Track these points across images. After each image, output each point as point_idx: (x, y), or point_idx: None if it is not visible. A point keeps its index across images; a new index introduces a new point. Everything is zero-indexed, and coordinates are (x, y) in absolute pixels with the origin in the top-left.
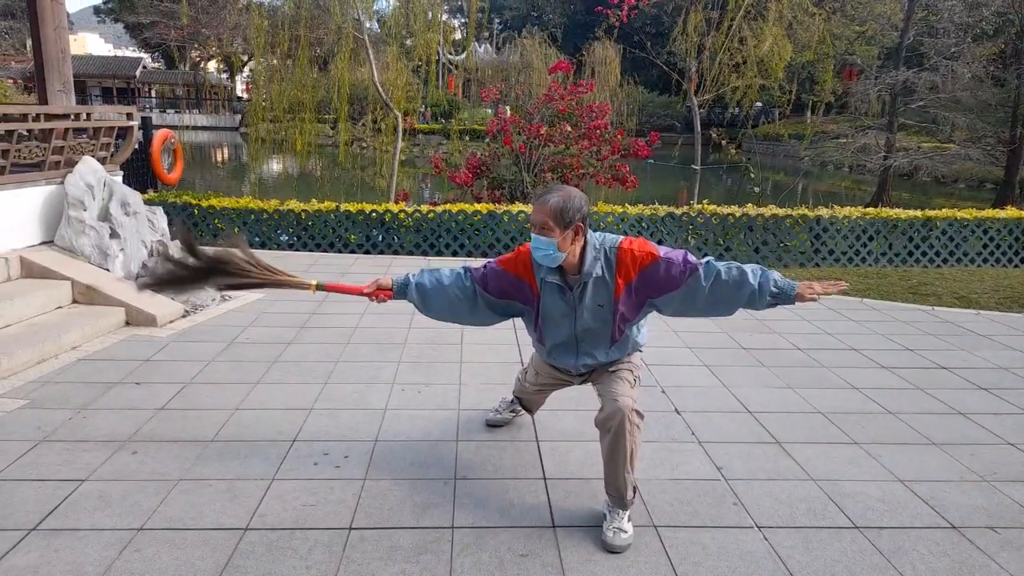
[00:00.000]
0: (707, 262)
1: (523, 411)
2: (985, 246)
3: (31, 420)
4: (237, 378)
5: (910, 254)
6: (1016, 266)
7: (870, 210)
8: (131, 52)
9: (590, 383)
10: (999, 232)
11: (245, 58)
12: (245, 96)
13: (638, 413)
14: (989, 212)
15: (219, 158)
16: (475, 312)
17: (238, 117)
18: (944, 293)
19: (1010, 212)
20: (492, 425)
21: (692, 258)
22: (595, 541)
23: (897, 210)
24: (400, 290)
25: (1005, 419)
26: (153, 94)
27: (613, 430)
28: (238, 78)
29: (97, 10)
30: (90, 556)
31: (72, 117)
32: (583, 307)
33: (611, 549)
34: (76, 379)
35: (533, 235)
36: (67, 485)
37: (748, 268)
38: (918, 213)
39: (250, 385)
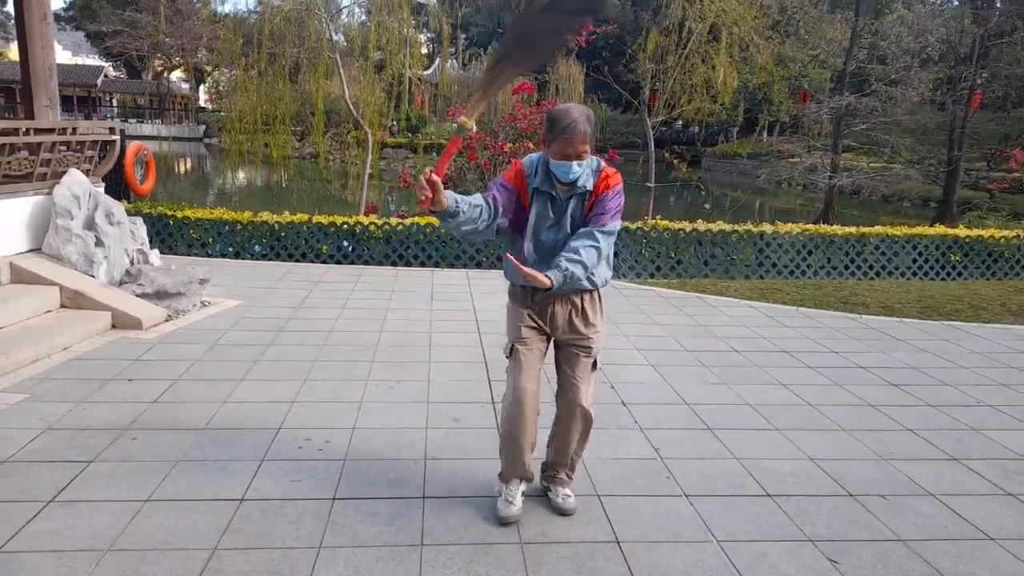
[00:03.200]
0: (603, 231)
1: (530, 478)
2: (915, 260)
3: (34, 411)
4: (223, 375)
5: (846, 267)
6: (942, 279)
7: (810, 226)
8: (92, 60)
9: (556, 348)
10: (927, 248)
11: (209, 68)
12: (209, 107)
13: (593, 411)
14: (919, 229)
15: (183, 168)
16: (489, 226)
17: (202, 128)
18: (872, 303)
19: (938, 229)
20: (509, 521)
21: (608, 219)
22: (547, 507)
23: (836, 227)
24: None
25: (909, 410)
26: (115, 103)
27: (573, 426)
28: (202, 88)
29: (58, 17)
30: (105, 521)
31: (59, 131)
32: (567, 217)
33: (564, 512)
34: (72, 376)
35: (568, 164)
36: (77, 465)
37: (581, 259)
38: (853, 230)
39: (235, 382)
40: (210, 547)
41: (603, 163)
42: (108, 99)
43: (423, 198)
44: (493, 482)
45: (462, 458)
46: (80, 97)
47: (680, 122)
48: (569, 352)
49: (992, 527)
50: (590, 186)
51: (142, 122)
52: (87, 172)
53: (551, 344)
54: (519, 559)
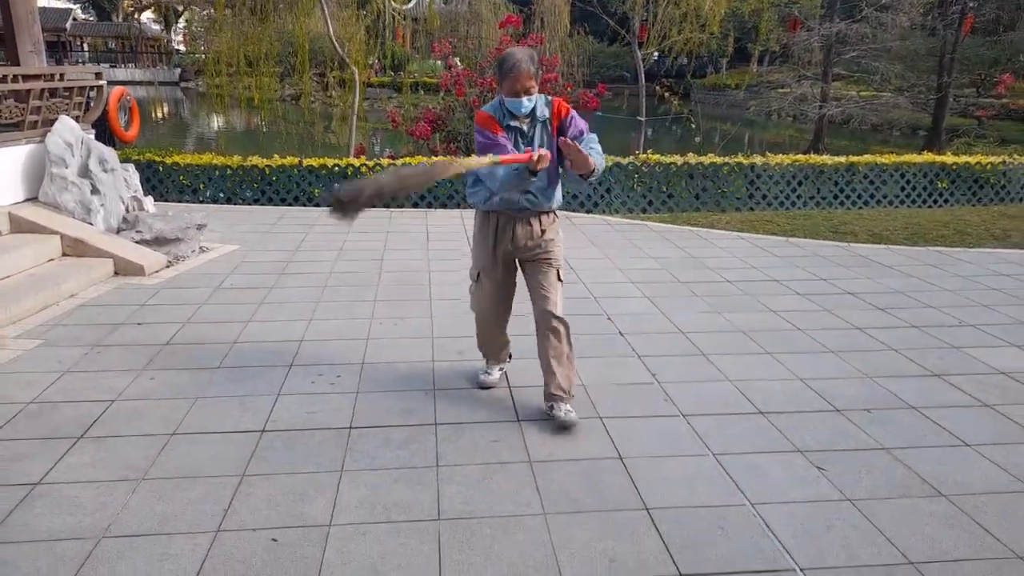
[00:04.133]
0: (591, 134)
1: (506, 362)
2: (903, 189)
3: (51, 356)
4: (230, 317)
5: (835, 197)
6: (929, 206)
7: (800, 157)
8: (60, 2)
9: (521, 268)
10: (915, 176)
11: (181, 7)
12: (183, 49)
13: (566, 321)
14: (907, 157)
15: (160, 114)
16: None
17: (177, 71)
18: (860, 231)
19: (925, 156)
20: (488, 386)
21: (584, 124)
22: (552, 430)
23: (825, 157)
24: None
25: (894, 332)
26: (85, 48)
27: (554, 335)
28: (175, 30)
29: None
30: (136, 453)
31: (46, 78)
32: (535, 143)
33: (566, 424)
34: (82, 322)
35: (518, 100)
36: (100, 404)
37: (597, 157)
38: (842, 159)
39: (242, 323)
40: (238, 473)
41: (551, 97)
42: (79, 43)
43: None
44: (501, 409)
45: (468, 388)
46: (49, 42)
47: (671, 54)
48: (534, 266)
49: (970, 435)
50: (548, 115)
51: (115, 66)
52: (76, 119)
53: (517, 270)
54: (529, 475)
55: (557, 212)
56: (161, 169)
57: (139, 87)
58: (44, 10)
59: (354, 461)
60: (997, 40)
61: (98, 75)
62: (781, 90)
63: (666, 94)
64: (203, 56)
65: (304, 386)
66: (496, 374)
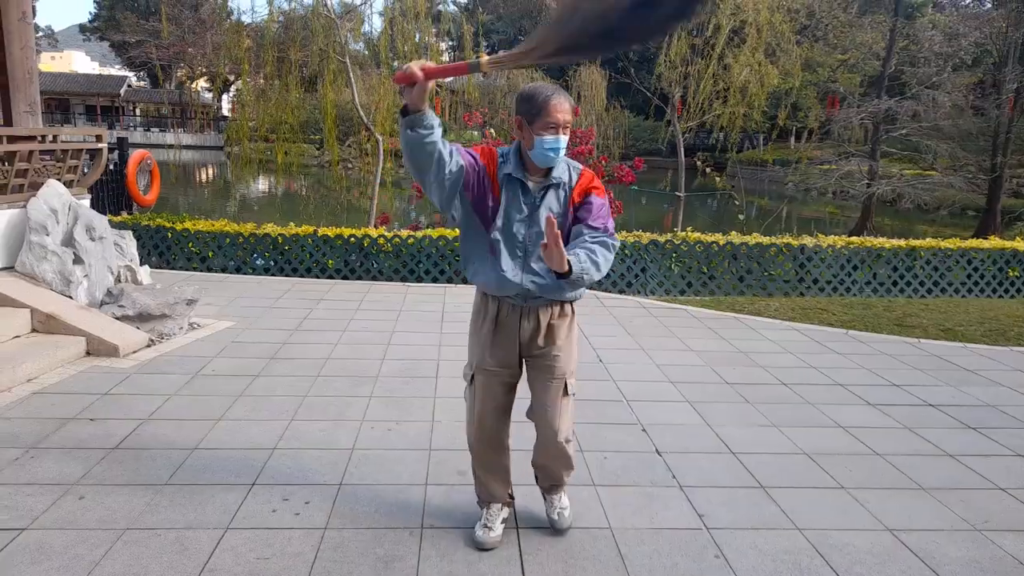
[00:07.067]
0: (613, 238)
1: (509, 502)
2: (969, 276)
3: None
4: (198, 414)
5: (895, 284)
6: (1000, 296)
7: (854, 239)
8: (116, 70)
9: (527, 369)
10: (983, 262)
11: (232, 78)
12: (230, 115)
13: (571, 438)
14: (973, 242)
15: (203, 177)
16: (449, 177)
17: (223, 136)
18: (929, 325)
19: (993, 242)
20: (486, 547)
21: (611, 225)
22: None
23: (881, 239)
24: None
25: (995, 461)
26: (138, 112)
27: (549, 458)
28: (224, 98)
29: (83, 28)
30: None
31: (39, 139)
32: (539, 212)
33: (559, 528)
34: (28, 415)
35: (552, 136)
36: (5, 535)
37: (598, 260)
38: (902, 243)
39: (211, 422)
40: None
41: (583, 167)
42: (131, 108)
43: (403, 73)
44: (502, 561)
45: (466, 527)
46: (104, 106)
47: (708, 129)
48: (536, 375)
49: None
50: (567, 179)
51: (165, 131)
52: (70, 183)
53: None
54: None
55: (574, 307)
56: (170, 235)
57: (185, 151)
58: (101, 76)
59: None
60: None
61: (99, 137)
62: (823, 166)
63: (707, 169)
64: (250, 123)
65: (262, 516)
66: (499, 528)
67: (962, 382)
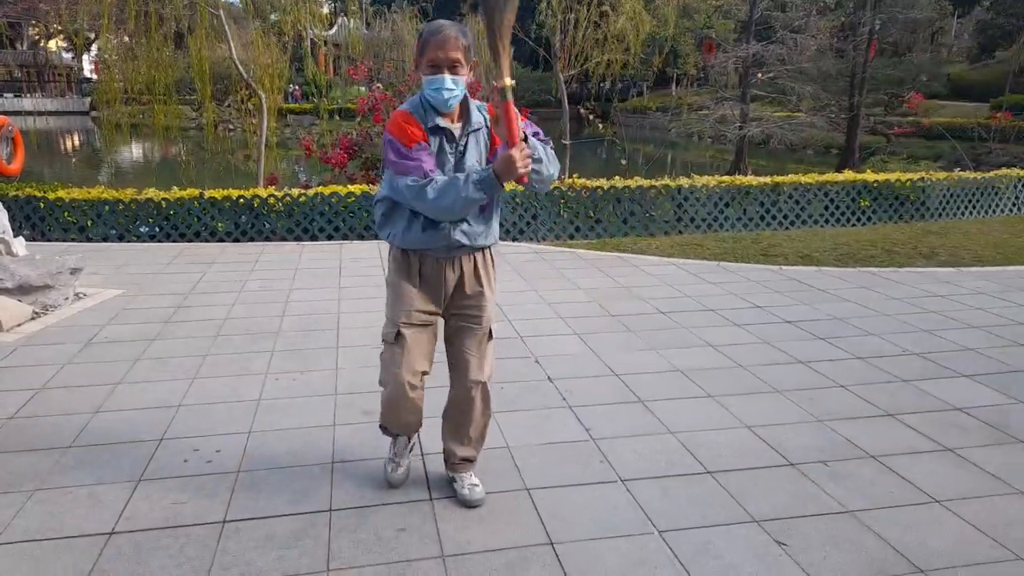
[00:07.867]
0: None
1: (414, 439)
2: (827, 208)
3: None
4: (96, 380)
5: (762, 218)
6: (852, 225)
7: (725, 178)
8: None
9: (444, 322)
10: (838, 194)
11: (91, 36)
12: (94, 77)
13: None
14: (829, 176)
15: (69, 145)
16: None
17: (87, 100)
18: (790, 253)
19: (847, 175)
20: (396, 484)
21: (536, 128)
22: (470, 509)
23: (751, 177)
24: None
25: (839, 365)
26: None
27: (470, 406)
28: (85, 58)
29: None
30: None
31: None
32: (466, 159)
33: (471, 504)
34: None
35: (439, 77)
36: None
37: (548, 152)
38: (767, 180)
39: (110, 386)
40: None
41: (487, 103)
42: None
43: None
44: (410, 484)
45: (375, 457)
46: None
47: (594, 78)
48: (459, 325)
49: (936, 488)
50: (483, 122)
51: (20, 96)
52: None
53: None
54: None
55: (494, 252)
56: (43, 205)
57: (47, 118)
58: None
59: (223, 570)
60: (900, 61)
61: None
62: (701, 112)
63: (590, 117)
64: (117, 83)
65: (174, 467)
66: (405, 463)
67: (815, 300)
